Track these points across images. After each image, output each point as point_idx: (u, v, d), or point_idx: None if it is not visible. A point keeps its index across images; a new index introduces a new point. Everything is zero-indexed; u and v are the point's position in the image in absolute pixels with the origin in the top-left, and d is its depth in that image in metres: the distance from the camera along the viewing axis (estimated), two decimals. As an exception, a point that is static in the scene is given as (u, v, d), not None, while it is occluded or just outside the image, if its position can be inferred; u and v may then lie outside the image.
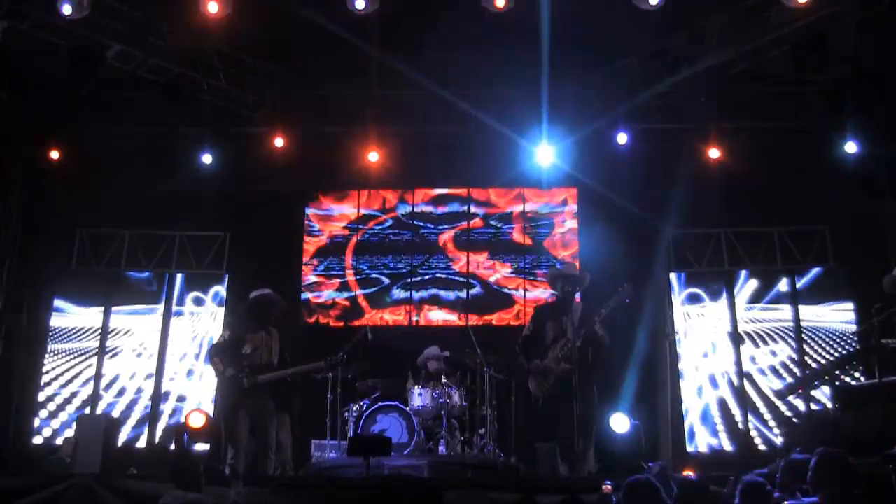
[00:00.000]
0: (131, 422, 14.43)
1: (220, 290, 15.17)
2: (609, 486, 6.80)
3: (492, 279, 15.36)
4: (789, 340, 14.25)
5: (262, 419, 9.75)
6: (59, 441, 13.43)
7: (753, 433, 13.64)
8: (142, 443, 14.32)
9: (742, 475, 7.12)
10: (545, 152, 14.27)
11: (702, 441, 13.96)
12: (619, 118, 14.16)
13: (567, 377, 9.17)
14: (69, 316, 14.94)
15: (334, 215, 15.81)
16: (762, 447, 13.44)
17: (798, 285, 14.48)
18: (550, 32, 12.20)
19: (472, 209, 15.72)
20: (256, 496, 7.78)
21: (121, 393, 14.65)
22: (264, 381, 9.63)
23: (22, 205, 14.63)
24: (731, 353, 14.11)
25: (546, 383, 9.32)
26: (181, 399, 14.65)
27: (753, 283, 14.56)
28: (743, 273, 14.57)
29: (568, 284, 9.65)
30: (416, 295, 15.38)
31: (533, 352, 9.63)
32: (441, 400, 11.47)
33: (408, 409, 11.63)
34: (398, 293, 15.41)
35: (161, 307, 15.12)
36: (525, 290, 15.21)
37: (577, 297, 9.90)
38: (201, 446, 12.13)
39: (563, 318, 9.37)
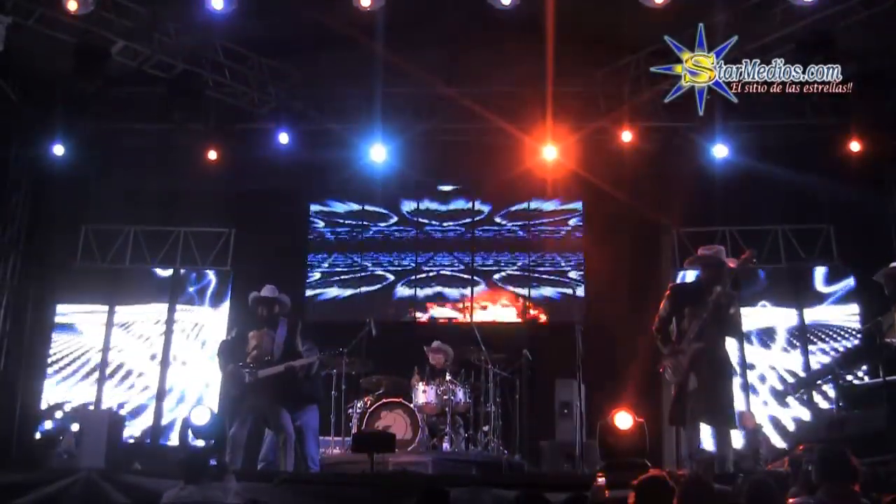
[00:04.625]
0: (135, 417, 14.44)
1: (225, 285, 15.19)
2: (603, 479, 6.75)
3: (496, 277, 15.35)
4: (794, 340, 14.22)
5: (273, 414, 9.69)
6: (62, 436, 13.43)
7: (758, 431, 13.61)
8: (146, 438, 14.32)
9: (749, 474, 7.12)
10: (550, 150, 14.21)
11: (707, 439, 13.92)
12: (624, 116, 14.11)
13: (701, 353, 8.78)
14: (73, 311, 14.94)
15: (339, 212, 15.83)
16: (768, 445, 13.40)
17: (802, 283, 14.46)
18: (555, 30, 12.14)
19: (478, 206, 15.71)
20: (257, 492, 7.74)
21: (125, 388, 14.68)
22: (264, 376, 9.57)
23: (27, 200, 14.64)
24: (736, 351, 14.04)
25: (678, 366, 9.01)
26: (186, 394, 14.69)
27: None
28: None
29: (712, 268, 9.01)
30: (421, 292, 15.39)
31: (668, 335, 9.09)
32: (445, 397, 11.51)
33: (412, 405, 11.56)
34: (402, 290, 15.42)
35: (165, 303, 15.13)
36: (530, 287, 15.21)
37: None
38: (204, 442, 12.13)
39: (703, 300, 9.06)
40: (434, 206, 15.84)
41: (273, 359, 9.68)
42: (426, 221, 15.74)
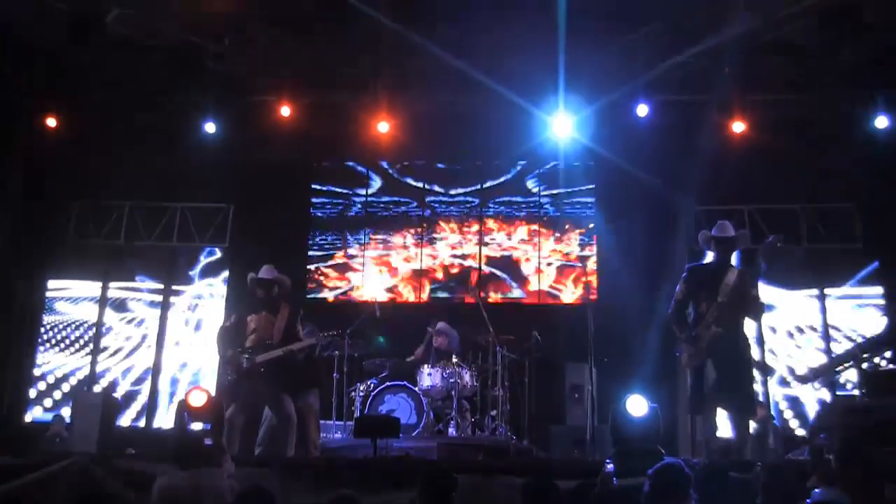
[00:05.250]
0: (129, 400, 14.47)
1: (223, 263, 15.20)
2: (611, 467, 6.71)
3: (509, 253, 15.29)
4: (815, 325, 14.13)
5: (273, 398, 9.72)
6: (53, 419, 13.43)
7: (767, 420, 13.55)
8: (141, 422, 14.37)
9: (768, 462, 7.05)
10: (562, 124, 14.13)
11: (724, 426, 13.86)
12: (640, 89, 13.97)
13: (718, 342, 8.76)
14: (66, 289, 14.91)
15: (341, 187, 15.76)
16: (777, 435, 13.32)
17: (823, 265, 14.36)
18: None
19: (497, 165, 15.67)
20: (256, 478, 7.69)
21: (119, 368, 14.68)
22: (263, 361, 9.55)
23: (19, 174, 14.55)
24: (755, 335, 13.97)
25: (695, 351, 8.95)
26: (182, 375, 14.68)
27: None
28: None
29: (724, 245, 9.04)
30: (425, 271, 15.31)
31: (684, 319, 9.07)
32: (451, 380, 11.49)
33: (417, 389, 11.65)
34: (405, 268, 15.36)
35: (161, 280, 15.15)
36: (539, 264, 15.13)
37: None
38: (201, 425, 12.12)
39: (719, 282, 8.91)
40: (442, 165, 15.74)
41: (273, 342, 9.68)
42: (428, 187, 15.61)
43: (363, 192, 15.70)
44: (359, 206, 15.65)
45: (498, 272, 15.14)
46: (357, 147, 15.15)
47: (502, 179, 15.60)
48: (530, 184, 15.53)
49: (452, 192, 15.61)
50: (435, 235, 15.39)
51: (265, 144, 14.58)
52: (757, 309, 9.11)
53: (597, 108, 14.10)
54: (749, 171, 14.03)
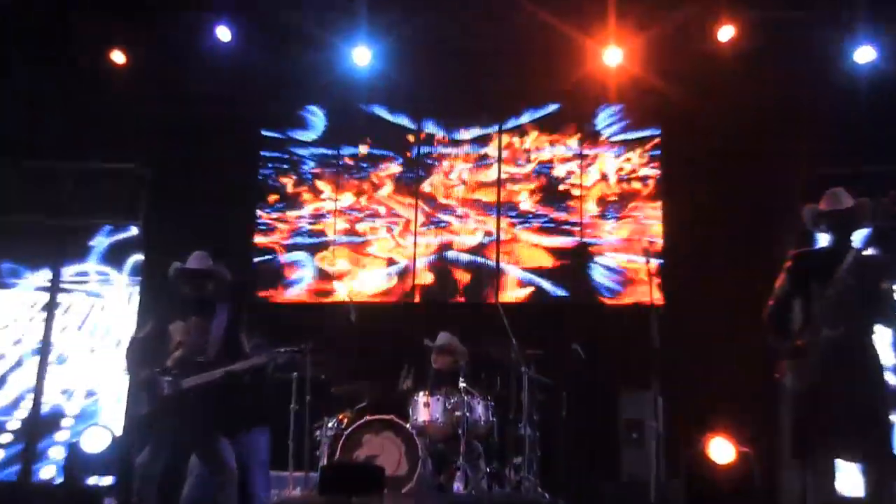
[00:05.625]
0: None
1: (134, 247, 15.15)
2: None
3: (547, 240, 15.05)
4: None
5: (204, 441, 9.46)
6: None
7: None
8: (13, 473, 14.36)
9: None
10: (613, 54, 14.15)
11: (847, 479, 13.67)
12: (720, 3, 13.87)
13: (837, 348, 8.34)
14: None
15: (301, 141, 15.70)
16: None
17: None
18: None
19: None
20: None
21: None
22: (192, 387, 9.27)
23: None
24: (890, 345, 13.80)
25: (802, 371, 8.65)
26: (74, 407, 14.63)
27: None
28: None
29: (839, 222, 8.66)
30: (419, 261, 15.16)
31: (787, 324, 8.73)
32: (458, 413, 11.34)
33: (408, 425, 11.42)
34: (389, 256, 15.23)
35: (46, 269, 15.11)
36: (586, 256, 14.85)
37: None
38: (107, 480, 11.99)
39: (836, 271, 8.49)
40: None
41: (207, 359, 9.41)
42: (417, 128, 15.47)
43: (307, 137, 15.66)
44: (312, 163, 15.58)
45: (543, 282, 14.80)
46: (326, 85, 15.10)
47: (532, 119, 15.39)
48: (571, 133, 15.32)
49: (458, 136, 15.38)
50: (433, 214, 15.11)
51: (196, 81, 14.50)
52: (889, 307, 8.82)
53: (660, 32, 14.04)
54: (880, 120, 13.75)
